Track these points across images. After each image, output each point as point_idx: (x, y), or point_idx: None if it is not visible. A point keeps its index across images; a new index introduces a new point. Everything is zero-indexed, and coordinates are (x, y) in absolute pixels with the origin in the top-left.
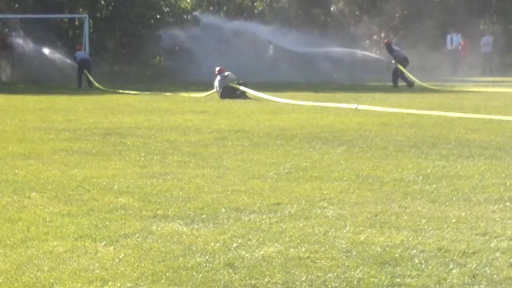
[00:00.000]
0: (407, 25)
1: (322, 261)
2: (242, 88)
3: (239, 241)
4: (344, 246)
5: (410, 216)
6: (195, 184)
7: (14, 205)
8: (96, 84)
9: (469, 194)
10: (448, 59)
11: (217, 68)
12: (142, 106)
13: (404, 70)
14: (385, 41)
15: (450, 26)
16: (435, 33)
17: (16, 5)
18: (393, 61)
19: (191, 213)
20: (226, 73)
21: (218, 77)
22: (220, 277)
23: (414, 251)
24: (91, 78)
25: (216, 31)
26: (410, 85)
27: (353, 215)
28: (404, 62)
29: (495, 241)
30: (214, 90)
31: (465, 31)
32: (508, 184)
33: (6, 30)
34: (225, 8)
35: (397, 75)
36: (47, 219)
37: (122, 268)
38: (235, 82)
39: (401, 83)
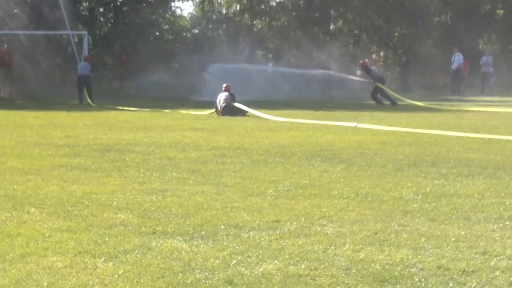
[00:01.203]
0: (406, 44)
1: (321, 278)
2: (243, 107)
3: (239, 258)
4: (343, 263)
5: (410, 235)
6: (194, 200)
7: (13, 220)
8: (88, 100)
9: (469, 213)
10: (450, 78)
11: (224, 85)
12: (141, 123)
13: (385, 88)
14: (361, 62)
15: (453, 45)
16: (434, 52)
17: (16, 21)
18: (371, 81)
19: (191, 229)
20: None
21: (225, 93)
22: None
23: (414, 269)
24: (85, 94)
25: None
26: (393, 103)
27: (353, 233)
28: (381, 81)
29: (494, 260)
30: (214, 108)
31: (464, 51)
32: (507, 203)
33: (5, 46)
34: (224, 26)
35: (376, 94)
36: (46, 235)
37: (121, 284)
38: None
39: (386, 101)
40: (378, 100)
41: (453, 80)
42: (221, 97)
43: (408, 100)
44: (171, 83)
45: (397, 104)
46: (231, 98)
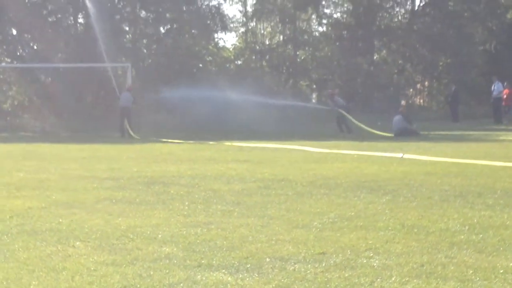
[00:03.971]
0: (450, 74)
1: None
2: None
3: None
4: None
5: (457, 267)
6: (239, 233)
7: (58, 254)
8: (130, 132)
9: None
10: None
11: (403, 102)
12: (185, 155)
13: (347, 115)
14: (329, 91)
15: (494, 74)
16: (478, 81)
17: (59, 54)
18: (335, 108)
19: (236, 262)
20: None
21: (398, 116)
22: None
23: None
24: (127, 126)
25: None
26: (349, 131)
27: (399, 265)
28: (344, 109)
29: None
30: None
31: (510, 80)
32: None
33: (49, 79)
34: (267, 57)
35: (343, 121)
36: (92, 268)
37: None
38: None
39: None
40: (342, 128)
41: (495, 109)
42: (395, 120)
43: (367, 128)
44: (216, 114)
45: (352, 132)
46: (404, 119)
